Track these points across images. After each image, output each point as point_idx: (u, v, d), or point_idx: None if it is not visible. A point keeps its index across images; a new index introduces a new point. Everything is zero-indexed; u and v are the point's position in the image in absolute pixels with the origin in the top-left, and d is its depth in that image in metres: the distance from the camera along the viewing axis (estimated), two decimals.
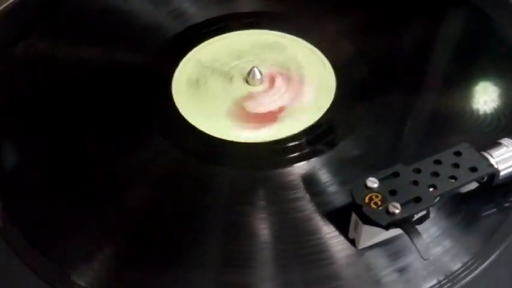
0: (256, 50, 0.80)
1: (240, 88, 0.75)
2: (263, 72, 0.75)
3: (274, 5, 0.85)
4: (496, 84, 0.75)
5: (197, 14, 0.84)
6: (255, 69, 0.74)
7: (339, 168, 0.66)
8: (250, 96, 0.74)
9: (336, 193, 0.64)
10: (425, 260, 0.55)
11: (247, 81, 0.75)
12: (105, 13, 0.84)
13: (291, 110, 0.73)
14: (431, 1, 0.85)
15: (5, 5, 0.85)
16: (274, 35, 0.81)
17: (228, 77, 0.76)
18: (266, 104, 0.74)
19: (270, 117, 0.72)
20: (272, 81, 0.76)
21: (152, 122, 0.71)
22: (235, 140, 0.69)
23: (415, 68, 0.77)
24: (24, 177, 0.67)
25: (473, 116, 0.71)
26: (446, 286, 0.57)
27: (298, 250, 0.59)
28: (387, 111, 0.72)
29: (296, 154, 0.68)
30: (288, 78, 0.76)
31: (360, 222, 0.56)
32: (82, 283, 0.58)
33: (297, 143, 0.69)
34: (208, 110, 0.73)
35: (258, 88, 0.75)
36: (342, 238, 0.60)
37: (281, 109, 0.73)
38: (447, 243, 0.60)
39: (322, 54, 0.78)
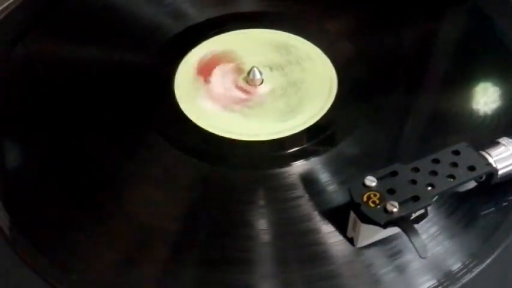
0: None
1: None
2: (262, 71, 0.75)
3: (274, 5, 0.85)
4: (495, 84, 0.75)
5: (197, 14, 0.84)
6: (255, 69, 0.74)
7: (338, 168, 0.66)
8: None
9: (335, 192, 0.64)
10: (423, 258, 0.54)
11: (247, 81, 0.75)
12: (105, 13, 0.84)
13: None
14: (431, 1, 0.85)
15: (5, 5, 0.85)
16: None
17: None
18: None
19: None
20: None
21: (153, 121, 0.71)
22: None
23: (415, 68, 0.77)
24: (25, 177, 0.67)
25: (473, 115, 0.71)
26: (445, 286, 0.57)
27: (298, 249, 0.59)
28: (387, 111, 0.72)
29: (296, 154, 0.68)
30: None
31: (358, 221, 0.56)
32: (82, 283, 0.58)
33: (297, 142, 0.69)
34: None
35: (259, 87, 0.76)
36: (341, 237, 0.60)
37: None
38: (447, 242, 0.60)
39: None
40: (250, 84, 0.75)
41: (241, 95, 0.75)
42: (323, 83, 0.75)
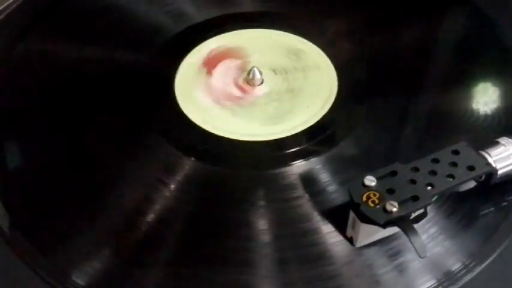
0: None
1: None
2: (265, 73, 0.76)
3: (274, 5, 0.85)
4: (494, 84, 0.75)
5: (197, 14, 0.84)
6: (255, 69, 0.74)
7: (338, 168, 0.66)
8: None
9: (335, 193, 0.64)
10: (422, 258, 0.55)
11: (247, 82, 0.75)
12: (105, 13, 0.84)
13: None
14: (431, 1, 0.85)
15: (5, 5, 0.85)
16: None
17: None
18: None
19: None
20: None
21: (153, 121, 0.71)
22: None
23: (415, 68, 0.77)
24: (25, 178, 0.67)
25: (472, 115, 0.71)
26: (445, 286, 0.57)
27: (298, 249, 0.59)
28: (387, 111, 0.72)
29: (296, 154, 0.68)
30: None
31: (357, 220, 0.56)
32: (82, 283, 0.58)
33: (296, 142, 0.69)
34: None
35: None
36: (341, 237, 0.60)
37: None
38: (447, 243, 0.60)
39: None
40: (249, 84, 0.75)
41: (236, 92, 0.75)
42: (321, 94, 0.75)
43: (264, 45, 0.80)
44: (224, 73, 0.77)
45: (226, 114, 0.72)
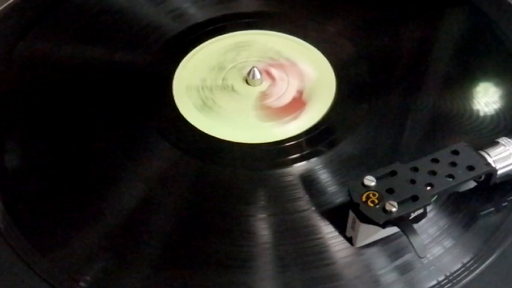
0: (255, 49, 0.80)
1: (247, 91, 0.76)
2: (262, 70, 0.76)
3: (274, 5, 0.85)
4: (494, 84, 0.75)
5: (197, 14, 0.84)
6: (255, 69, 0.74)
7: (338, 168, 0.66)
8: (264, 96, 0.75)
9: (336, 193, 0.64)
10: (421, 258, 0.55)
11: (247, 82, 0.75)
12: (105, 13, 0.85)
13: (309, 89, 0.75)
14: (431, 1, 0.85)
15: (5, 5, 0.85)
16: (274, 35, 0.81)
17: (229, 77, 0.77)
18: (283, 94, 0.75)
19: (299, 103, 0.74)
20: (271, 75, 0.77)
21: (153, 121, 0.71)
22: (236, 138, 0.69)
23: (415, 68, 0.77)
24: (25, 178, 0.67)
25: (472, 115, 0.71)
26: (446, 286, 0.57)
27: (298, 250, 0.59)
28: (387, 111, 0.72)
29: (296, 154, 0.68)
30: (282, 67, 0.78)
31: (357, 220, 0.56)
32: (82, 283, 0.58)
33: (297, 143, 0.69)
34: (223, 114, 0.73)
35: (262, 86, 0.76)
36: (341, 238, 0.60)
37: (300, 92, 0.75)
38: (447, 243, 0.60)
39: (322, 54, 0.78)
40: (253, 85, 0.75)
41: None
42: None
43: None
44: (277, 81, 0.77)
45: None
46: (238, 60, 0.78)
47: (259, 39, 0.81)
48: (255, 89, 0.75)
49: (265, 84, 0.75)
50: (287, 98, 0.74)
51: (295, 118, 0.72)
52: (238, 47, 0.80)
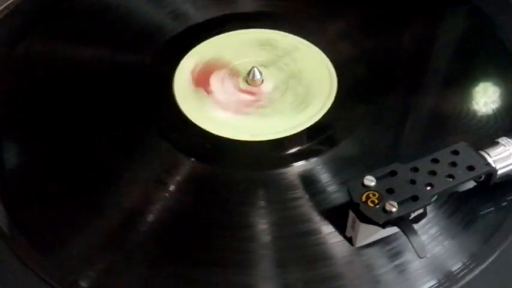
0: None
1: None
2: (262, 71, 0.75)
3: (274, 5, 0.85)
4: (494, 84, 0.75)
5: (197, 14, 0.84)
6: (255, 69, 0.74)
7: (338, 168, 0.66)
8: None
9: (336, 193, 0.64)
10: (421, 258, 0.55)
11: (247, 82, 0.75)
12: (105, 13, 0.85)
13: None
14: (431, 1, 0.85)
15: (5, 5, 0.85)
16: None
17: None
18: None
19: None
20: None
21: (153, 121, 0.71)
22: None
23: (415, 68, 0.77)
24: (25, 178, 0.67)
25: (472, 115, 0.71)
26: (446, 286, 0.57)
27: (298, 250, 0.59)
28: (387, 111, 0.72)
29: (296, 154, 0.68)
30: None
31: (357, 220, 0.56)
32: (82, 283, 0.58)
33: (297, 142, 0.69)
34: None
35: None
36: (341, 238, 0.60)
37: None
38: (447, 243, 0.60)
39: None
40: (252, 85, 0.75)
41: (248, 97, 0.75)
42: (320, 68, 0.77)
43: (237, 47, 0.80)
44: (222, 85, 0.76)
45: (254, 119, 0.72)
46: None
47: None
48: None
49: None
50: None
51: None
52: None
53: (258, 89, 0.75)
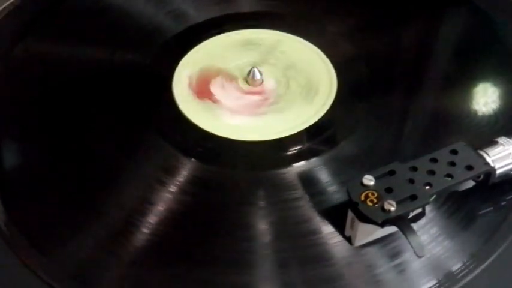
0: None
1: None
2: (263, 72, 0.75)
3: (274, 5, 0.85)
4: (494, 84, 0.75)
5: (197, 14, 0.84)
6: (255, 69, 0.74)
7: (338, 168, 0.66)
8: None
9: (335, 193, 0.64)
10: (420, 257, 0.55)
11: (247, 82, 0.75)
12: (105, 13, 0.85)
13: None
14: (431, 1, 0.85)
15: (5, 5, 0.85)
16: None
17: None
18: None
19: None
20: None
21: (153, 121, 0.71)
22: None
23: (415, 68, 0.77)
24: (24, 177, 0.67)
25: (471, 115, 0.71)
26: (446, 286, 0.57)
27: (298, 250, 0.59)
28: (387, 111, 0.72)
29: (296, 154, 0.68)
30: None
31: (356, 219, 0.56)
32: (82, 283, 0.58)
33: (296, 142, 0.69)
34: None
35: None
36: (341, 238, 0.60)
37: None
38: (447, 243, 0.60)
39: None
40: (253, 85, 0.75)
41: (255, 97, 0.74)
42: (310, 55, 0.78)
43: (221, 51, 0.80)
44: (224, 92, 0.75)
45: (273, 117, 0.72)
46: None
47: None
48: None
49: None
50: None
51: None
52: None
53: (261, 88, 0.75)
